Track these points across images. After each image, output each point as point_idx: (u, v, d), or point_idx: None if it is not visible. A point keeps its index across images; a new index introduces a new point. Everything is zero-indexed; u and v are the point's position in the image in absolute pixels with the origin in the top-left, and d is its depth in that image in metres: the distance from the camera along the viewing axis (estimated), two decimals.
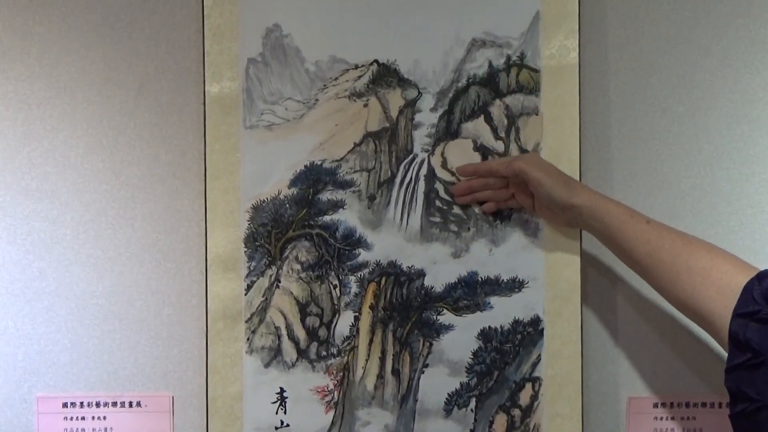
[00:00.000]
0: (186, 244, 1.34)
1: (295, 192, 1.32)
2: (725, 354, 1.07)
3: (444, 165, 1.33)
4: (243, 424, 1.31)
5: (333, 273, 1.33)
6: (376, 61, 1.33)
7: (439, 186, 1.33)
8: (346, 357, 1.33)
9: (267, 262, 1.32)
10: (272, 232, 1.32)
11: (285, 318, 1.32)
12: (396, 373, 1.33)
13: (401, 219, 1.33)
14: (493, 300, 1.34)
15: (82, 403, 1.33)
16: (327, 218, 1.33)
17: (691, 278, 1.11)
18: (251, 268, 1.32)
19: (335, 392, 1.33)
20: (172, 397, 1.34)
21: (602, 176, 1.35)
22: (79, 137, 1.33)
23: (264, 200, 1.32)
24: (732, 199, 1.36)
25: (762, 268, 1.07)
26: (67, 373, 1.34)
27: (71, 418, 1.34)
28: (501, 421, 1.34)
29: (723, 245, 1.32)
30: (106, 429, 1.34)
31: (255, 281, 1.32)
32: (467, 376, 1.34)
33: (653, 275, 1.17)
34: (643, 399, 1.36)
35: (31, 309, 1.33)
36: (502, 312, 1.34)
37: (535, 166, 1.25)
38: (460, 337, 1.34)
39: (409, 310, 1.33)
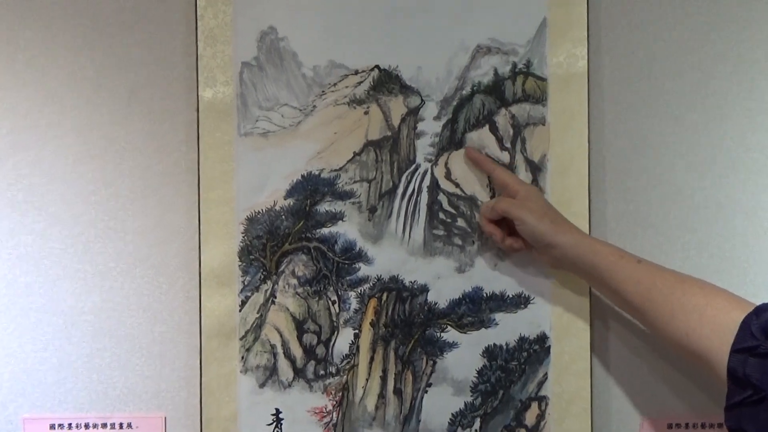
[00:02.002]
0: (179, 258, 1.29)
1: (292, 203, 1.28)
2: None
3: (448, 176, 1.29)
4: None
5: (331, 288, 1.28)
6: (377, 66, 1.28)
7: (442, 198, 1.29)
8: (345, 376, 1.28)
9: (262, 276, 1.27)
10: (268, 245, 1.27)
11: (281, 335, 1.28)
12: (398, 392, 1.29)
13: (403, 232, 1.29)
14: (499, 316, 1.29)
15: (70, 425, 1.29)
16: (325, 231, 1.28)
17: (686, 316, 1.08)
18: (246, 283, 1.27)
19: (334, 413, 1.28)
20: (165, 418, 1.30)
21: (611, 188, 1.31)
22: (68, 146, 1.29)
23: (259, 211, 1.27)
24: (749, 212, 1.32)
25: (758, 303, 1.04)
26: (54, 392, 1.29)
27: None
28: None
29: (739, 260, 1.31)
30: None
31: (250, 297, 1.27)
32: (472, 396, 1.29)
33: (647, 315, 1.14)
34: (656, 419, 1.32)
35: (18, 326, 1.28)
36: (507, 329, 1.29)
37: (518, 204, 1.22)
38: (464, 355, 1.29)
39: (411, 327, 1.29)
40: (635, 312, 1.17)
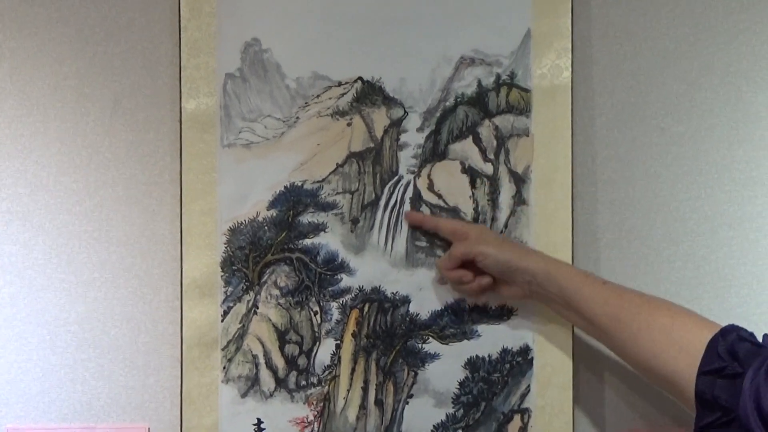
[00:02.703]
0: (162, 269, 1.29)
1: (275, 214, 1.27)
2: None
3: (430, 187, 1.29)
4: None
5: (314, 299, 1.28)
6: (360, 78, 1.28)
7: (425, 209, 1.28)
8: (326, 387, 1.28)
9: (244, 287, 1.27)
10: (250, 256, 1.27)
11: (263, 346, 1.27)
12: (379, 403, 1.29)
13: (385, 243, 1.28)
14: (481, 328, 1.29)
15: None
16: (308, 242, 1.28)
17: (653, 337, 1.08)
18: (228, 294, 1.27)
19: (315, 424, 1.28)
20: (149, 428, 1.30)
21: (596, 200, 1.30)
22: (52, 156, 1.29)
23: (242, 222, 1.27)
24: (734, 223, 1.31)
25: (742, 314, 1.06)
26: (38, 403, 1.29)
27: None
28: None
29: (724, 272, 1.31)
30: None
31: (232, 307, 1.27)
32: (453, 407, 1.29)
33: (613, 337, 1.14)
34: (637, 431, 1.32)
35: (1, 336, 1.28)
36: (490, 340, 1.29)
37: (474, 242, 1.22)
38: (446, 366, 1.29)
39: (393, 338, 1.28)
40: (602, 334, 1.16)
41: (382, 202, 1.28)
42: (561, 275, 1.18)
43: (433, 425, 1.29)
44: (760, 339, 1.03)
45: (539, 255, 1.22)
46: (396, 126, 1.28)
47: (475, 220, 1.28)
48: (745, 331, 1.03)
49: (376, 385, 1.28)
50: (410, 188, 1.28)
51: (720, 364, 0.99)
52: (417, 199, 1.28)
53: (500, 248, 1.21)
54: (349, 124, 1.28)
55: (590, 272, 1.19)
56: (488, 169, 1.28)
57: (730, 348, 1.00)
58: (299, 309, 1.28)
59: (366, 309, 1.28)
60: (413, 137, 1.28)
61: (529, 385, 1.28)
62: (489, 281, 1.23)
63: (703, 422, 1.00)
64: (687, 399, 1.03)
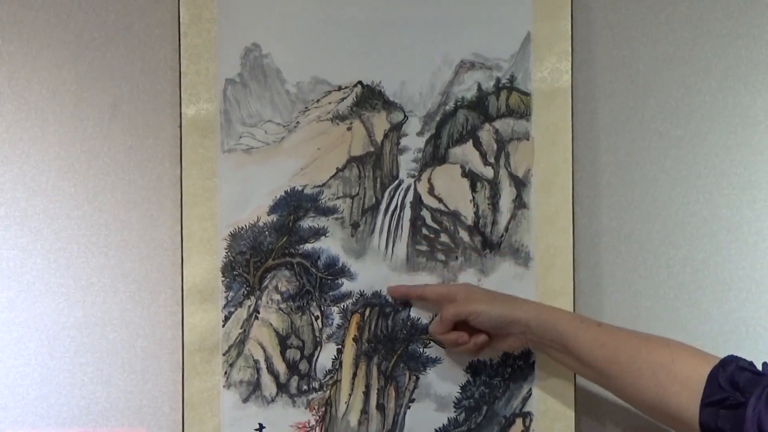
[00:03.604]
0: (161, 274, 1.29)
1: (275, 219, 1.27)
2: None
3: (431, 191, 1.29)
4: None
5: (314, 304, 1.28)
6: (360, 82, 1.28)
7: (425, 213, 1.28)
8: (328, 391, 1.28)
9: (245, 292, 1.27)
10: (251, 261, 1.27)
11: (264, 351, 1.27)
12: (381, 408, 1.28)
13: (386, 247, 1.28)
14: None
15: None
16: (308, 246, 1.28)
17: (655, 375, 1.09)
18: (229, 299, 1.26)
19: (317, 428, 1.28)
20: None
21: (596, 204, 1.31)
22: (50, 161, 1.28)
23: (242, 227, 1.27)
24: (732, 227, 1.32)
25: (723, 356, 1.06)
26: (36, 408, 1.28)
27: None
28: None
29: (723, 275, 1.31)
30: None
31: (233, 312, 1.26)
32: (455, 412, 1.29)
33: (614, 379, 1.14)
34: None
35: None
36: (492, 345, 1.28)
37: (463, 302, 1.22)
38: (447, 370, 1.29)
39: (394, 343, 1.28)
40: (601, 377, 1.16)
41: (383, 207, 1.28)
42: (555, 321, 1.18)
43: (435, 429, 1.29)
44: (759, 365, 1.05)
45: (531, 304, 1.22)
46: (396, 130, 1.28)
47: (476, 224, 1.28)
48: (744, 360, 1.05)
49: (377, 389, 1.28)
50: (411, 192, 1.28)
51: (722, 395, 1.01)
52: (417, 204, 1.28)
53: (491, 304, 1.21)
54: (349, 129, 1.28)
55: (584, 316, 1.20)
56: (488, 172, 1.29)
57: (730, 378, 1.02)
58: (300, 314, 1.27)
59: (367, 313, 1.28)
60: (413, 141, 1.28)
61: (530, 389, 1.29)
62: (485, 339, 1.23)
63: None
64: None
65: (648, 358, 1.10)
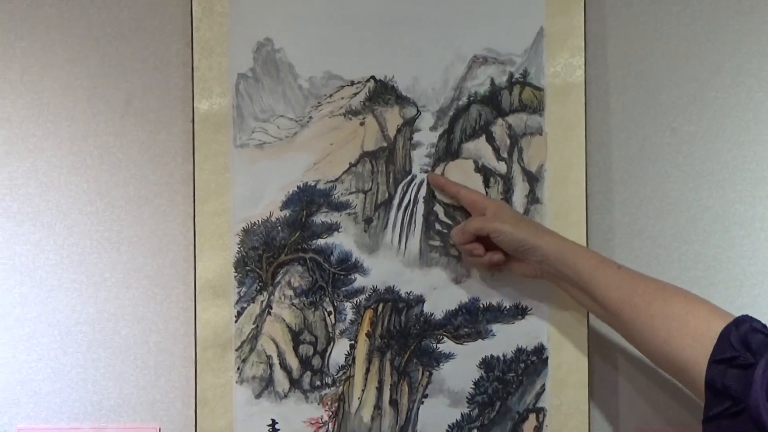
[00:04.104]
0: (174, 269, 1.29)
1: (288, 214, 1.27)
2: None
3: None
4: None
5: (327, 299, 1.27)
6: (373, 77, 1.28)
7: (438, 209, 1.28)
8: (341, 387, 1.28)
9: (258, 287, 1.26)
10: (263, 256, 1.27)
11: (277, 346, 1.27)
12: (394, 403, 1.28)
13: (399, 243, 1.28)
14: (496, 327, 1.29)
15: None
16: (321, 242, 1.27)
17: (667, 324, 1.06)
18: (242, 294, 1.26)
19: (330, 424, 1.28)
20: (159, 429, 1.29)
21: (609, 199, 1.31)
22: (63, 157, 1.28)
23: (255, 223, 1.27)
24: (745, 223, 1.31)
25: (754, 314, 1.03)
26: (49, 403, 1.28)
27: None
28: None
29: (735, 271, 1.31)
30: None
31: (245, 308, 1.26)
32: (468, 407, 1.28)
33: (626, 322, 1.12)
34: (653, 431, 1.31)
35: (12, 336, 1.28)
36: (504, 340, 1.29)
37: (491, 218, 1.21)
38: (460, 366, 1.28)
39: (407, 338, 1.28)
40: (614, 319, 1.15)
41: (396, 202, 1.28)
42: (575, 257, 1.17)
43: (448, 425, 1.28)
44: None
45: (554, 235, 1.21)
46: (409, 125, 1.28)
47: None
48: (759, 322, 1.02)
49: (390, 385, 1.28)
50: (423, 187, 1.28)
51: (732, 354, 0.99)
52: (430, 199, 1.28)
53: (516, 226, 1.20)
54: (362, 124, 1.28)
55: (604, 256, 1.18)
56: (502, 167, 1.28)
57: (743, 338, 0.99)
58: (313, 309, 1.27)
59: (380, 309, 1.28)
60: (426, 136, 1.28)
61: (544, 384, 1.28)
62: (501, 258, 1.23)
63: (712, 411, 1.00)
64: (697, 387, 1.02)
65: (663, 306, 1.08)
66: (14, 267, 1.28)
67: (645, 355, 1.13)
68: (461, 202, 1.26)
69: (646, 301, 1.10)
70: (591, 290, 1.15)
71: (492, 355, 1.28)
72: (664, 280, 1.13)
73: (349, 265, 1.28)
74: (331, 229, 1.28)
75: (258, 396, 1.27)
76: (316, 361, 1.27)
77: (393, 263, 1.28)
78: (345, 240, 1.28)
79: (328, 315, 1.27)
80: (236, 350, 1.26)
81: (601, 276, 1.14)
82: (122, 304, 1.29)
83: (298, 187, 1.27)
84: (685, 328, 1.05)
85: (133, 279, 1.29)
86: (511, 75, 1.28)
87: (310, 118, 1.27)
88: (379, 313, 1.28)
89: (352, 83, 1.27)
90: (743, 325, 1.01)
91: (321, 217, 1.27)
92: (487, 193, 1.28)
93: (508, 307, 1.28)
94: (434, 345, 1.28)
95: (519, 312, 1.28)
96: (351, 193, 1.28)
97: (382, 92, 1.28)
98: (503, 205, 1.25)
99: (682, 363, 1.05)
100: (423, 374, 1.28)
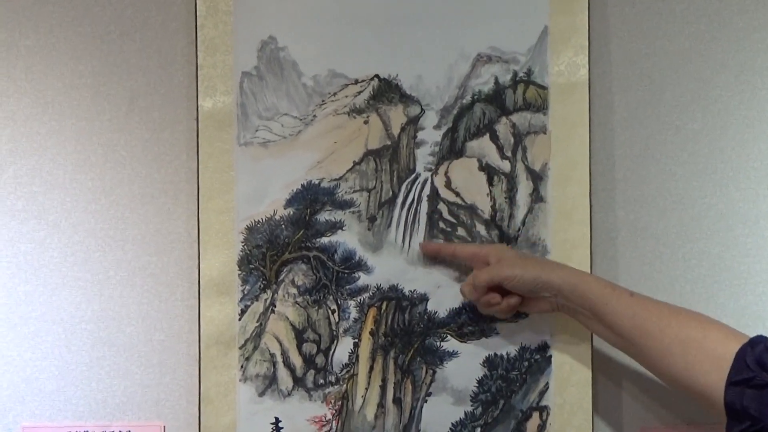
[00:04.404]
0: (178, 267, 1.29)
1: (292, 212, 1.27)
2: None
3: (448, 185, 1.28)
4: None
5: (331, 297, 1.28)
6: (377, 76, 1.28)
7: (442, 207, 1.28)
8: (344, 385, 1.28)
9: (262, 285, 1.27)
10: (267, 255, 1.27)
11: (280, 344, 1.27)
12: (397, 402, 1.28)
13: (403, 241, 1.28)
14: (499, 326, 1.29)
15: None
16: (325, 240, 1.28)
17: (684, 350, 1.08)
18: (245, 292, 1.26)
19: (333, 422, 1.28)
20: (164, 427, 1.29)
21: (613, 197, 1.30)
22: (67, 155, 1.28)
23: (259, 221, 1.27)
24: (749, 221, 1.31)
25: (759, 313, 1.07)
26: (54, 401, 1.28)
27: None
28: None
29: (740, 269, 1.31)
30: None
31: (249, 306, 1.27)
32: (472, 405, 1.28)
33: (642, 350, 1.13)
34: (656, 429, 1.31)
35: (17, 334, 1.28)
36: (508, 338, 1.29)
37: (497, 266, 1.21)
38: (464, 364, 1.28)
39: (411, 337, 1.28)
40: (630, 347, 1.15)
41: (400, 200, 1.28)
42: (587, 288, 1.17)
43: (452, 423, 1.28)
44: None
45: (564, 268, 1.21)
46: (413, 123, 1.28)
47: (493, 218, 1.28)
48: None
49: (394, 383, 1.28)
50: (427, 186, 1.28)
51: (748, 375, 1.00)
52: (434, 197, 1.28)
53: (524, 268, 1.20)
54: (366, 122, 1.28)
55: (616, 284, 1.19)
56: (505, 166, 1.28)
57: (758, 358, 1.01)
58: (317, 307, 1.27)
59: (384, 307, 1.28)
60: (430, 135, 1.28)
61: (547, 383, 1.28)
62: (518, 301, 1.22)
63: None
64: (717, 409, 1.04)
65: (678, 333, 1.09)
66: (19, 265, 1.28)
67: (663, 381, 1.15)
68: (460, 258, 1.26)
69: (661, 329, 1.10)
70: (605, 320, 1.16)
71: (496, 354, 1.29)
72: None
73: (352, 264, 1.28)
74: (335, 227, 1.28)
75: (261, 394, 1.27)
76: (319, 360, 1.28)
77: (397, 261, 1.28)
78: (349, 238, 1.28)
79: (332, 313, 1.28)
80: (240, 348, 1.26)
81: (614, 305, 1.15)
82: (126, 303, 1.29)
83: (302, 186, 1.27)
84: (702, 353, 1.06)
85: (138, 277, 1.29)
86: (515, 74, 1.28)
87: (314, 116, 1.27)
88: (382, 311, 1.28)
89: (357, 82, 1.27)
90: (758, 346, 1.03)
91: (325, 216, 1.27)
92: (491, 192, 1.28)
93: None
94: (438, 343, 1.28)
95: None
96: (355, 191, 1.28)
97: (386, 91, 1.28)
98: (503, 248, 1.26)
99: (701, 387, 1.06)
100: (426, 372, 1.28)
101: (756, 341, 1.03)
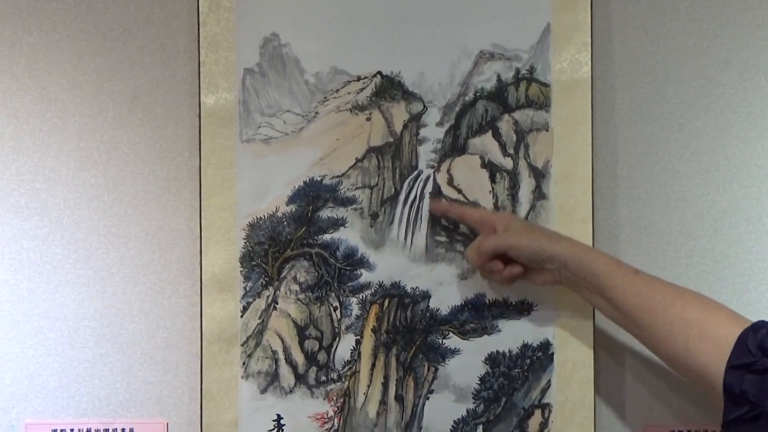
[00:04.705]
0: (181, 264, 1.29)
1: (294, 209, 1.27)
2: None
3: (450, 182, 1.28)
4: None
5: (333, 294, 1.28)
6: (379, 72, 1.28)
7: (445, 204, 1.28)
8: (346, 382, 1.28)
9: (264, 282, 1.27)
10: (269, 251, 1.27)
11: (282, 341, 1.27)
12: (399, 399, 1.28)
13: (405, 238, 1.28)
14: (501, 323, 1.28)
15: (72, 430, 1.29)
16: (327, 237, 1.28)
17: (686, 330, 1.07)
18: (247, 289, 1.26)
19: (335, 419, 1.28)
20: (167, 424, 1.29)
21: (615, 195, 1.30)
22: (70, 152, 1.29)
23: (261, 218, 1.27)
24: (752, 218, 1.31)
25: (761, 309, 1.05)
26: (56, 398, 1.29)
27: None
28: None
29: (743, 267, 1.30)
30: None
31: (251, 302, 1.27)
32: (474, 403, 1.28)
33: (644, 328, 1.12)
34: (659, 426, 1.31)
35: (20, 332, 1.28)
36: (510, 336, 1.29)
37: (503, 235, 1.21)
38: (466, 361, 1.28)
39: (413, 334, 1.28)
40: (631, 324, 1.15)
41: (402, 197, 1.28)
42: (593, 262, 1.16)
43: (454, 421, 1.28)
44: None
45: (570, 241, 1.21)
46: (415, 120, 1.28)
47: None
48: None
49: (396, 380, 1.28)
50: (430, 183, 1.28)
51: (749, 359, 0.99)
52: (436, 194, 1.28)
53: (531, 238, 1.19)
54: (368, 119, 1.28)
55: (622, 261, 1.18)
56: (508, 163, 1.28)
57: (760, 343, 0.99)
58: (319, 304, 1.27)
59: (386, 304, 1.28)
60: (433, 132, 1.28)
61: (549, 380, 1.28)
62: (520, 270, 1.22)
63: (730, 417, 1.00)
64: (715, 392, 1.03)
65: (681, 313, 1.08)
66: (21, 262, 1.28)
67: (663, 361, 1.14)
68: (467, 222, 1.26)
69: (664, 307, 1.10)
70: (608, 295, 1.15)
71: (498, 351, 1.28)
72: (677, 283, 1.14)
73: (355, 261, 1.28)
74: (337, 224, 1.28)
75: (263, 391, 1.27)
76: (321, 357, 1.28)
77: (399, 259, 1.28)
78: (351, 235, 1.28)
79: (334, 310, 1.28)
80: (242, 345, 1.26)
81: (618, 281, 1.14)
82: (129, 300, 1.29)
83: (305, 182, 1.27)
84: (704, 334, 1.05)
85: (140, 274, 1.29)
86: (518, 71, 1.28)
87: (317, 113, 1.27)
88: (384, 308, 1.28)
89: (359, 78, 1.27)
90: (760, 331, 1.01)
91: (327, 213, 1.27)
92: (493, 189, 1.28)
93: (514, 302, 1.28)
94: (440, 340, 1.28)
95: (525, 308, 1.28)
96: (357, 188, 1.28)
97: (389, 87, 1.28)
98: (512, 217, 1.25)
99: (701, 369, 1.05)
100: (429, 370, 1.28)
101: (758, 326, 1.02)
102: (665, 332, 1.09)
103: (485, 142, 1.28)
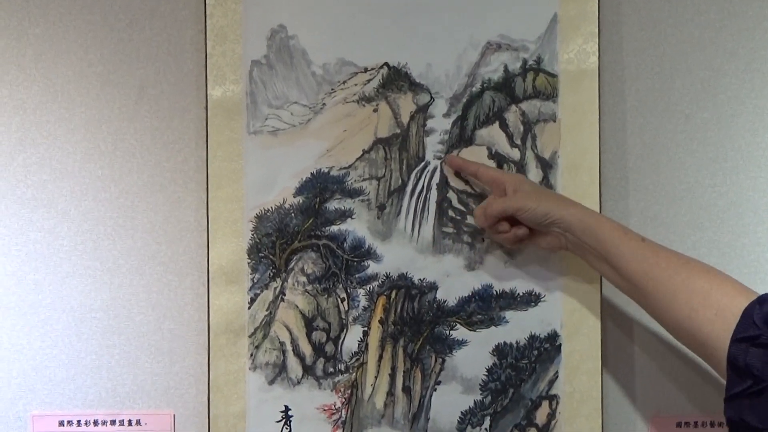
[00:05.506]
0: (188, 256, 1.29)
1: (301, 201, 1.27)
2: None
3: (457, 173, 1.28)
4: None
5: (341, 286, 1.28)
6: (386, 64, 1.27)
7: (452, 195, 1.28)
8: (354, 374, 1.28)
9: (271, 274, 1.27)
10: (277, 243, 1.27)
11: (290, 333, 1.27)
12: (407, 390, 1.28)
13: (412, 229, 1.28)
14: (509, 314, 1.29)
15: (79, 422, 1.29)
16: (334, 228, 1.27)
17: (690, 298, 1.06)
18: (255, 281, 1.26)
19: (343, 411, 1.28)
20: (174, 415, 1.29)
21: (622, 185, 1.30)
22: (77, 143, 1.28)
23: (268, 209, 1.27)
24: (759, 209, 1.31)
25: (761, 292, 1.02)
26: (63, 389, 1.29)
27: None
28: None
29: (750, 257, 1.30)
30: None
31: (259, 294, 1.27)
32: (481, 394, 1.28)
33: (649, 295, 1.11)
34: (666, 418, 1.31)
35: (27, 323, 1.28)
36: (517, 327, 1.29)
37: (512, 197, 1.20)
38: (473, 353, 1.28)
39: (420, 325, 1.28)
40: (636, 291, 1.14)
41: (409, 188, 1.28)
42: (599, 228, 1.16)
43: (461, 412, 1.28)
44: None
45: (578, 206, 1.20)
46: (422, 112, 1.28)
47: None
48: None
49: (403, 372, 1.28)
50: (437, 174, 1.28)
51: (755, 332, 0.98)
52: (443, 185, 1.28)
53: (538, 201, 1.19)
54: (375, 110, 1.28)
55: (629, 228, 1.17)
56: (515, 154, 1.28)
57: (766, 317, 0.98)
58: (326, 296, 1.27)
59: (393, 296, 1.28)
60: (440, 123, 1.28)
61: (557, 372, 1.28)
62: (525, 232, 1.22)
63: (733, 390, 0.99)
64: (718, 364, 1.02)
65: (686, 281, 1.07)
66: (28, 254, 1.28)
67: (667, 330, 1.13)
68: (480, 180, 1.26)
69: (670, 275, 1.09)
70: (614, 262, 1.14)
71: (505, 342, 1.28)
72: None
73: (362, 252, 1.28)
74: (345, 215, 1.28)
75: (271, 383, 1.27)
76: (329, 348, 1.28)
77: (406, 250, 1.28)
78: (358, 227, 1.28)
79: (341, 302, 1.28)
80: (249, 337, 1.26)
81: (624, 248, 1.13)
82: (136, 291, 1.29)
83: (312, 174, 1.27)
84: (708, 303, 1.04)
85: (147, 266, 1.29)
86: (525, 61, 1.28)
87: (324, 104, 1.27)
88: (392, 299, 1.28)
89: (366, 70, 1.27)
90: (766, 304, 1.00)
91: (334, 204, 1.27)
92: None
93: (521, 294, 1.28)
94: (447, 332, 1.28)
95: (532, 299, 1.28)
96: (364, 179, 1.28)
97: (396, 79, 1.28)
98: (522, 180, 1.24)
99: (704, 338, 1.04)
100: (436, 361, 1.28)
101: (764, 298, 1.01)
102: (669, 299, 1.08)
103: (492, 133, 1.28)
